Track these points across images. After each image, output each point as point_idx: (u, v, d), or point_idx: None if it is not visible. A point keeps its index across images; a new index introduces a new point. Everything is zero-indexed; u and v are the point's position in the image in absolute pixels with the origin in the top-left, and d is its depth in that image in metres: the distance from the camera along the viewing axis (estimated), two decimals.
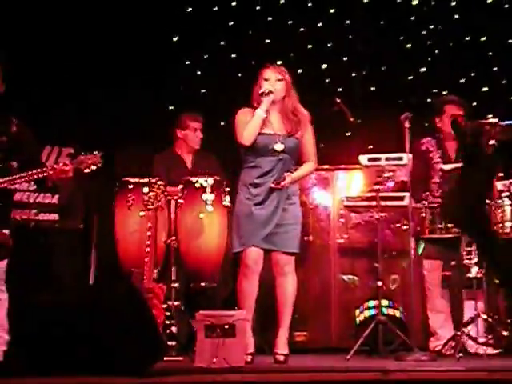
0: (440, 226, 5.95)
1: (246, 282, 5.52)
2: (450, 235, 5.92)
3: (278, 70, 5.65)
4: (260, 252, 5.51)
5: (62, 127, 7.42)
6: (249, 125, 5.52)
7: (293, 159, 5.61)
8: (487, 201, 5.66)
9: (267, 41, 7.98)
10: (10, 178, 5.22)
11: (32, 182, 6.74)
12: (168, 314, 5.93)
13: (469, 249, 5.74)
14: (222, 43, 8.00)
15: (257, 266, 5.51)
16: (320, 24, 7.96)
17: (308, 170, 5.74)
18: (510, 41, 7.79)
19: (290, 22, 7.96)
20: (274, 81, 5.59)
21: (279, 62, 7.60)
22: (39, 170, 5.21)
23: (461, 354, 5.57)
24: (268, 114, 5.57)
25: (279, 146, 5.53)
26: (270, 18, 7.96)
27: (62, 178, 5.25)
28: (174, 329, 5.92)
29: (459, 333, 5.77)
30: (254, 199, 5.53)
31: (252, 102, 5.66)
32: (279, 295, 5.58)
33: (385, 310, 6.25)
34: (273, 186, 5.49)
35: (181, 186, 6.28)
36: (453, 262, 6.07)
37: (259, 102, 5.59)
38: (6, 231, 5.24)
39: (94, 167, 5.28)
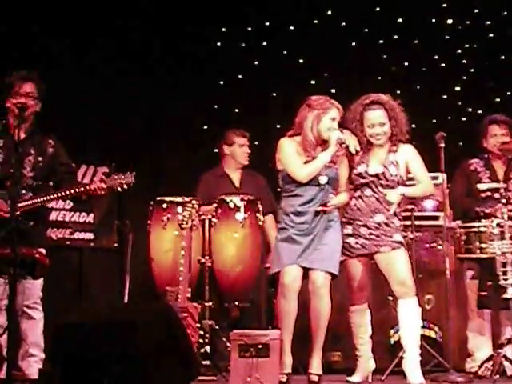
0: (474, 246, 5.91)
1: (284, 302, 5.49)
2: (485, 255, 5.87)
3: (341, 113, 5.58)
4: (298, 269, 5.50)
5: (99, 146, 7.49)
6: (312, 166, 5.49)
7: (333, 189, 5.62)
8: None
9: (301, 60, 8.00)
10: (46, 196, 5.27)
11: (68, 201, 6.85)
12: (202, 333, 5.94)
13: (504, 269, 5.69)
14: (256, 62, 8.03)
15: (295, 284, 5.48)
16: (354, 43, 7.96)
17: (344, 200, 5.72)
18: None
19: (323, 41, 7.97)
20: (336, 123, 5.55)
21: (313, 82, 7.71)
22: (75, 188, 5.26)
23: (497, 376, 5.51)
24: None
25: (323, 179, 5.53)
26: (303, 38, 7.97)
27: (96, 194, 5.30)
28: (208, 348, 5.92)
29: (495, 354, 5.71)
30: (298, 227, 5.53)
31: (301, 128, 5.60)
32: (313, 317, 5.54)
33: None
34: (319, 209, 5.50)
35: (215, 205, 6.31)
36: (489, 283, 6.01)
37: (313, 132, 5.54)
38: (43, 250, 5.28)
39: (126, 187, 5.32)
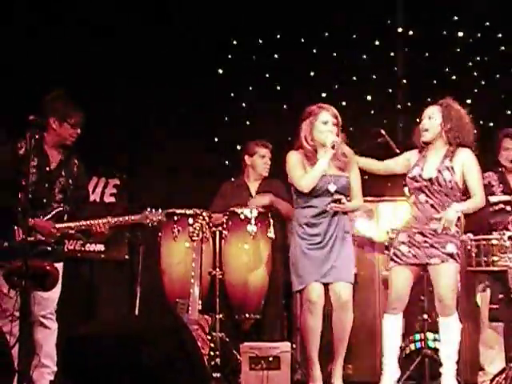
0: (485, 258, 5.89)
1: (311, 319, 5.50)
2: (496, 268, 5.85)
3: (334, 114, 5.60)
4: (321, 286, 5.52)
5: (110, 158, 7.51)
6: (310, 174, 5.53)
7: (345, 197, 5.62)
8: None
9: (312, 73, 8.00)
10: (64, 226, 5.31)
11: None
12: (212, 345, 5.93)
13: None
14: (266, 75, 8.03)
15: (321, 301, 5.51)
16: (365, 56, 7.96)
17: (357, 206, 5.73)
18: None
19: (335, 54, 7.98)
20: (331, 125, 5.58)
21: (324, 94, 7.70)
22: (82, 223, 5.30)
23: None
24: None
25: (332, 187, 5.55)
26: (314, 51, 7.98)
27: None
28: (218, 360, 5.92)
29: (507, 367, 5.68)
30: (311, 239, 5.54)
31: (300, 140, 5.65)
32: (338, 329, 5.55)
33: (431, 344, 6.17)
34: (329, 208, 5.48)
35: (225, 217, 6.31)
36: (500, 296, 5.98)
37: (308, 141, 5.60)
38: (58, 265, 5.27)
39: (156, 224, 5.38)
